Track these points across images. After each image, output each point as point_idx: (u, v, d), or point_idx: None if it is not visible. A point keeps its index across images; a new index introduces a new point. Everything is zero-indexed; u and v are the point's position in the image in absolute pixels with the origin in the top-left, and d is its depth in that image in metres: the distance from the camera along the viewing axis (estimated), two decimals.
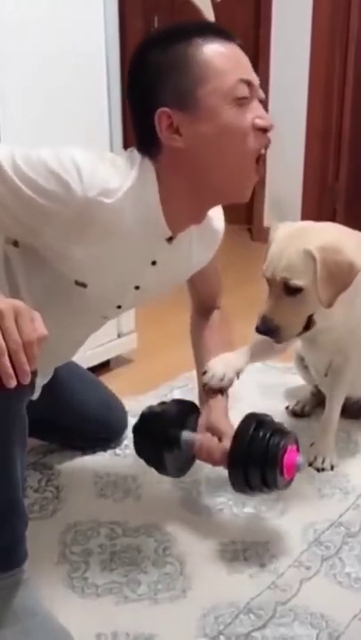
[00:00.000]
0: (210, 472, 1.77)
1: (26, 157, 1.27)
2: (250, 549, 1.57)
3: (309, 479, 1.81)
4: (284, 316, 1.63)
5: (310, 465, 1.86)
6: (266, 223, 4.08)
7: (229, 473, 1.52)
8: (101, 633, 1.34)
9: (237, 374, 1.69)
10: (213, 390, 1.64)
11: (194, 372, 2.23)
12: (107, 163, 1.33)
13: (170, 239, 1.44)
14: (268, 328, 1.63)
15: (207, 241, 1.58)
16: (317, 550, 1.57)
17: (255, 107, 1.35)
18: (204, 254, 1.60)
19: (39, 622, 1.29)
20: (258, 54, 3.95)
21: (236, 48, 1.34)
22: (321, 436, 1.91)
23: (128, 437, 1.98)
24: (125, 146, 2.42)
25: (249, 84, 1.33)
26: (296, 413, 2.15)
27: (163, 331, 2.65)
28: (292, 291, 1.61)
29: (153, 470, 1.79)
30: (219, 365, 1.67)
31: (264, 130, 1.35)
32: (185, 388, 2.29)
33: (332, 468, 1.87)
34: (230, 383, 1.67)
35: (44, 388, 1.65)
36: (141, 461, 1.80)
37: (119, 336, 2.44)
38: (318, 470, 1.85)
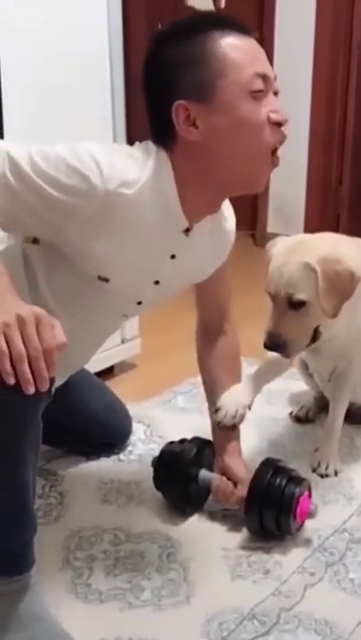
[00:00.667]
0: None
1: (43, 154, 1.27)
2: (253, 555, 1.56)
3: (313, 485, 1.80)
4: (290, 331, 1.63)
5: (314, 471, 1.86)
6: (269, 229, 4.09)
7: (246, 516, 1.59)
8: (105, 639, 1.34)
9: (249, 407, 1.70)
10: (227, 427, 1.68)
11: (198, 378, 2.23)
12: (123, 155, 1.34)
13: (187, 231, 1.45)
14: (275, 344, 1.64)
15: (220, 240, 1.59)
16: (321, 556, 1.56)
17: (271, 100, 1.36)
18: (217, 253, 1.61)
19: (44, 628, 1.29)
20: None
21: (253, 42, 1.36)
22: (325, 442, 1.91)
23: (132, 443, 1.98)
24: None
25: (265, 77, 1.35)
26: (300, 419, 2.15)
27: (166, 336, 2.65)
28: (295, 305, 1.62)
29: None
30: (230, 403, 1.68)
31: (279, 124, 1.36)
32: (189, 394, 2.29)
33: (335, 473, 1.86)
34: (242, 419, 1.69)
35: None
36: (145, 467, 1.81)
37: (123, 342, 2.44)
38: (322, 476, 1.85)
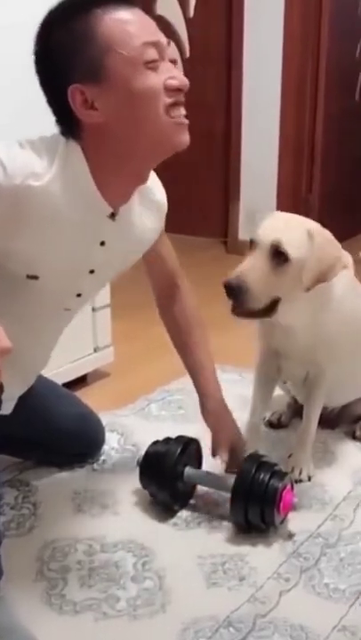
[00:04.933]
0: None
1: None
2: (228, 562, 1.56)
3: None
4: (258, 280, 1.59)
5: None
6: (241, 236, 4.10)
7: (231, 508, 1.64)
8: None
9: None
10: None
11: (171, 386, 2.23)
12: (27, 148, 1.32)
13: (112, 215, 1.43)
14: (237, 286, 1.59)
15: (152, 213, 1.57)
16: (296, 562, 1.57)
17: (167, 68, 1.33)
18: (152, 225, 1.59)
19: None
20: (230, 68, 3.98)
21: (138, 12, 1.33)
22: (298, 448, 1.91)
23: (106, 452, 1.97)
24: None
25: (156, 45, 1.32)
26: (273, 424, 2.16)
27: (139, 344, 2.65)
28: (277, 257, 1.60)
29: (130, 485, 1.79)
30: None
31: (178, 89, 1.33)
32: (162, 402, 2.28)
33: (309, 479, 1.87)
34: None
35: (17, 405, 1.63)
36: (119, 476, 1.80)
37: (95, 350, 2.43)
38: (296, 482, 1.85)
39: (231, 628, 1.38)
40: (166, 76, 1.32)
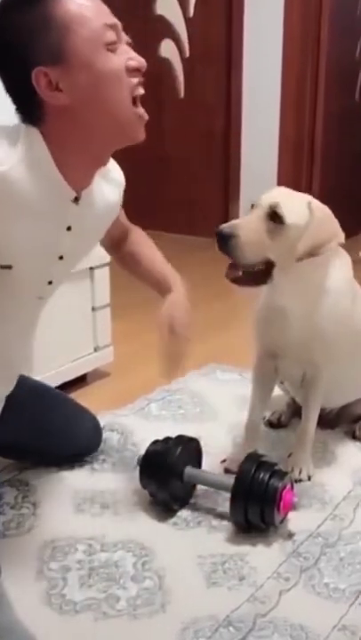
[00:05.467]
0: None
1: None
2: (228, 562, 1.56)
3: None
4: (250, 234, 1.63)
5: None
6: None
7: (231, 508, 1.64)
8: None
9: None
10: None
11: (170, 386, 2.23)
12: None
13: (76, 200, 1.45)
14: (229, 234, 1.62)
15: (112, 189, 1.60)
16: (296, 561, 1.57)
17: (125, 50, 1.37)
18: (114, 200, 1.61)
19: None
20: (230, 68, 3.99)
21: None
22: (298, 447, 1.92)
23: (105, 452, 1.97)
24: None
25: (114, 27, 1.35)
26: (273, 424, 2.16)
27: (139, 344, 2.65)
28: (274, 219, 1.63)
29: (130, 485, 1.79)
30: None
31: (137, 70, 1.37)
32: (162, 401, 2.28)
33: (309, 478, 1.87)
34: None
35: (4, 412, 1.64)
36: (119, 476, 1.80)
37: (95, 350, 2.43)
38: (296, 481, 1.85)
39: (231, 628, 1.38)
40: (125, 57, 1.36)
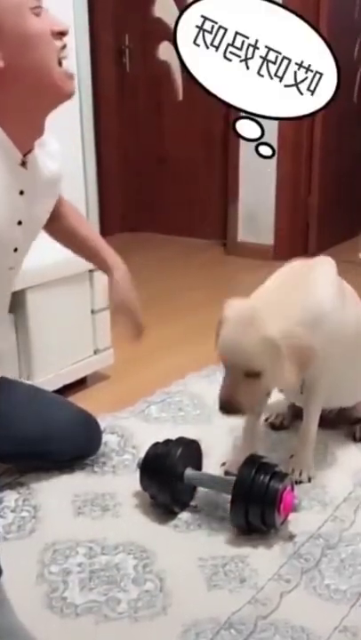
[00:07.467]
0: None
1: None
2: (229, 564, 1.56)
3: None
4: (244, 397, 1.66)
5: None
6: (240, 238, 4.11)
7: (232, 510, 1.64)
8: None
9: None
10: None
11: (170, 388, 2.23)
12: None
13: (23, 164, 1.54)
14: (232, 409, 1.67)
15: (53, 160, 1.67)
16: (297, 563, 1.57)
17: (48, 15, 1.46)
18: (56, 169, 1.69)
19: None
20: None
21: None
22: (299, 449, 1.91)
23: (106, 454, 1.97)
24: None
25: None
26: (274, 426, 2.16)
27: (139, 347, 2.64)
28: (251, 375, 1.64)
29: (131, 487, 1.79)
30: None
31: (61, 33, 1.47)
32: (162, 404, 2.28)
33: (309, 480, 1.87)
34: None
35: (3, 419, 1.65)
36: (119, 479, 1.80)
37: (96, 352, 2.43)
38: (296, 483, 1.85)
39: (232, 630, 1.38)
40: (49, 21, 1.45)
